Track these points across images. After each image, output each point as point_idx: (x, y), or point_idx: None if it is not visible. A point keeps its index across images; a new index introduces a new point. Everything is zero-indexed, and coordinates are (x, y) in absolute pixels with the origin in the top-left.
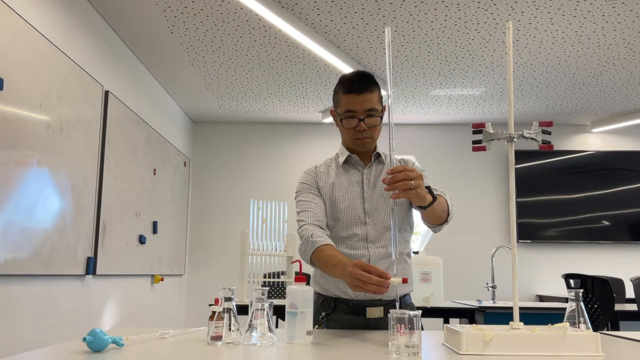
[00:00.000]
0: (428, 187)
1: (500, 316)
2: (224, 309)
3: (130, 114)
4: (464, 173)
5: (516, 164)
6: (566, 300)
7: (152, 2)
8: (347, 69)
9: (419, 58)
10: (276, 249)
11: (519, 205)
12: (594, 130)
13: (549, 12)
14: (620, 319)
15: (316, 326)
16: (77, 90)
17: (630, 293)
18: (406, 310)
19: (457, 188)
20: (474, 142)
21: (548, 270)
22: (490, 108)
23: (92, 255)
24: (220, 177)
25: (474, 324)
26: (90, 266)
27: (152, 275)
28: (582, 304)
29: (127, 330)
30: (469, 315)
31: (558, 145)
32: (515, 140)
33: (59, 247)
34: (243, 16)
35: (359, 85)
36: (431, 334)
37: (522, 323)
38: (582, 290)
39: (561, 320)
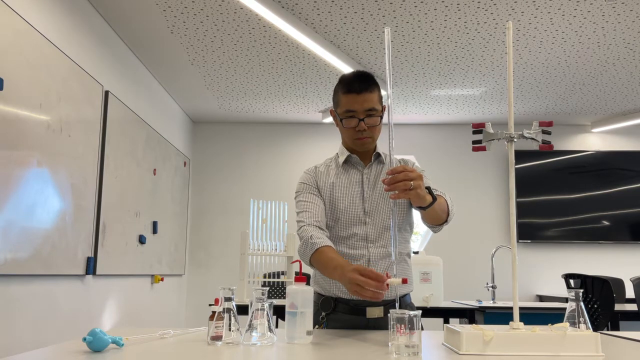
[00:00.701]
0: (428, 188)
1: (500, 316)
2: (224, 309)
3: (130, 114)
4: (464, 173)
5: (516, 164)
6: (566, 300)
7: (152, 2)
8: (347, 69)
9: (419, 58)
10: (276, 249)
11: (519, 205)
12: (594, 130)
13: (549, 12)
14: (620, 319)
15: (316, 326)
16: (77, 90)
17: (630, 293)
18: (406, 310)
19: (457, 188)
20: (474, 142)
21: (548, 270)
22: (490, 108)
23: (92, 255)
24: (220, 177)
25: (474, 324)
26: (90, 266)
27: (152, 275)
28: (582, 304)
29: (127, 330)
30: (469, 315)
31: (558, 145)
32: (515, 140)
33: (59, 247)
34: (243, 16)
35: (359, 85)
36: (431, 334)
37: (522, 323)
38: (582, 290)
39: (561, 320)
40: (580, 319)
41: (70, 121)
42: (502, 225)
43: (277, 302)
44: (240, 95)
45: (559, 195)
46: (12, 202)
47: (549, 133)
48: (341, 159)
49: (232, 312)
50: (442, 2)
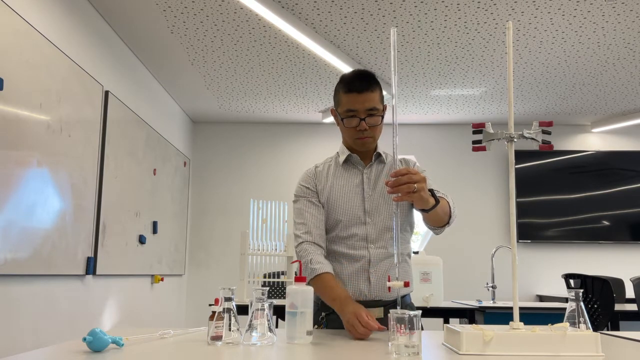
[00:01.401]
0: (431, 190)
1: (500, 316)
2: (224, 309)
3: (130, 114)
4: (464, 173)
5: (516, 164)
6: (566, 300)
7: (152, 2)
8: (347, 69)
9: (419, 58)
10: (276, 249)
11: (519, 205)
12: (594, 130)
13: (549, 12)
14: (620, 319)
15: (316, 326)
16: (77, 90)
17: (630, 293)
18: (406, 310)
19: (457, 188)
20: (474, 142)
21: (548, 270)
22: (490, 108)
23: (92, 255)
24: (220, 177)
25: (474, 324)
26: (90, 266)
27: (152, 275)
28: (582, 304)
29: (127, 330)
30: (469, 315)
31: (558, 145)
32: (515, 140)
33: (59, 247)
34: (243, 16)
35: (360, 84)
36: (431, 334)
37: (522, 323)
38: (582, 290)
39: (561, 320)
40: (580, 319)
41: (70, 121)
42: (502, 225)
43: (277, 302)
44: (240, 95)
45: (559, 195)
46: (12, 202)
47: (549, 133)
48: (341, 159)
49: (232, 312)
50: (442, 2)
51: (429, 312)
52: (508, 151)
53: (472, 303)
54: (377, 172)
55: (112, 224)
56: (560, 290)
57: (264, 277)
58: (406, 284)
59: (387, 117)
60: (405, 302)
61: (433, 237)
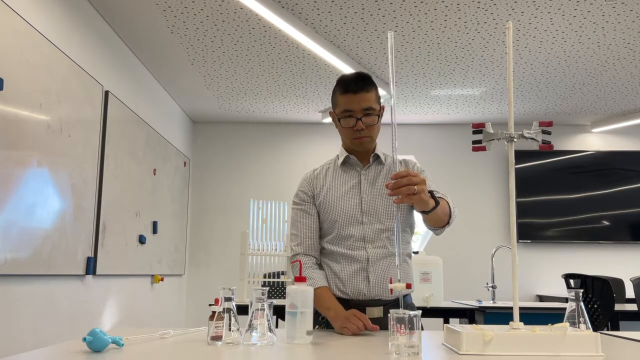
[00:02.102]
0: (430, 191)
1: (500, 316)
2: (224, 309)
3: (130, 114)
4: (464, 173)
5: (516, 164)
6: (566, 300)
7: (152, 2)
8: (347, 69)
9: (419, 58)
10: (276, 249)
11: (519, 205)
12: (594, 130)
13: (549, 12)
14: (620, 319)
15: (316, 326)
16: (77, 90)
17: (630, 293)
18: (406, 310)
19: (457, 188)
20: (474, 142)
21: (548, 270)
22: (490, 108)
23: (92, 255)
24: (220, 177)
25: (474, 324)
26: (90, 266)
27: (152, 275)
28: (582, 304)
29: (127, 330)
30: (469, 315)
31: (558, 145)
32: (515, 140)
33: (59, 247)
34: (243, 16)
35: (355, 85)
36: (431, 334)
37: (522, 323)
38: (582, 290)
39: (561, 320)
40: (580, 319)
41: (70, 121)
42: (502, 225)
43: (277, 302)
44: (240, 95)
45: (559, 195)
46: (12, 202)
47: (549, 133)
48: (340, 160)
49: (232, 312)
50: (442, 2)
51: (429, 312)
52: (508, 151)
53: (472, 303)
54: (376, 173)
55: (112, 224)
56: (560, 290)
57: (264, 277)
58: (408, 286)
59: (387, 118)
60: (405, 302)
61: (433, 237)
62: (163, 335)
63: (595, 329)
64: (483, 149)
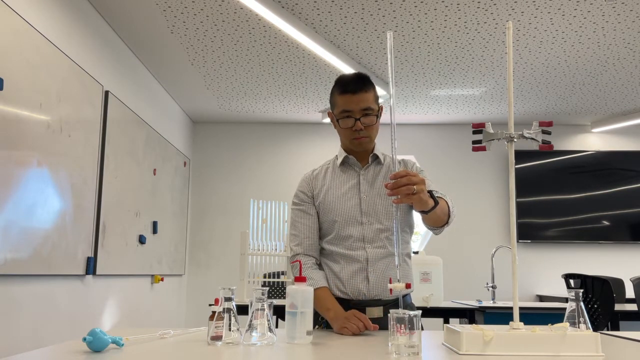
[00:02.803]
0: (430, 191)
1: (500, 316)
2: (224, 309)
3: (130, 114)
4: (463, 173)
5: (516, 164)
6: (566, 300)
7: (152, 2)
8: (347, 69)
9: (419, 58)
10: (276, 249)
11: (519, 205)
12: (594, 130)
13: (549, 12)
14: (620, 319)
15: (316, 326)
16: (77, 90)
17: (630, 293)
18: (406, 310)
19: (457, 188)
20: (474, 142)
21: (548, 270)
22: (490, 108)
23: (92, 255)
24: (220, 177)
25: (474, 324)
26: (90, 266)
27: (152, 275)
28: (582, 304)
29: (127, 330)
30: (469, 315)
31: (558, 145)
32: (515, 140)
33: (59, 247)
34: (243, 16)
35: (354, 85)
36: (431, 334)
37: (522, 323)
38: (582, 290)
39: (561, 320)
40: (580, 319)
41: (70, 121)
42: (502, 225)
43: (277, 302)
44: (240, 95)
45: (559, 195)
46: (12, 202)
47: (549, 133)
48: (339, 161)
49: (232, 312)
50: (442, 2)
51: (429, 312)
52: (508, 151)
53: (472, 303)
54: (375, 174)
55: (112, 224)
56: (560, 290)
57: (264, 277)
58: (407, 286)
59: (386, 119)
60: (405, 302)
61: (433, 237)
62: (163, 335)
63: (595, 329)
64: (483, 149)
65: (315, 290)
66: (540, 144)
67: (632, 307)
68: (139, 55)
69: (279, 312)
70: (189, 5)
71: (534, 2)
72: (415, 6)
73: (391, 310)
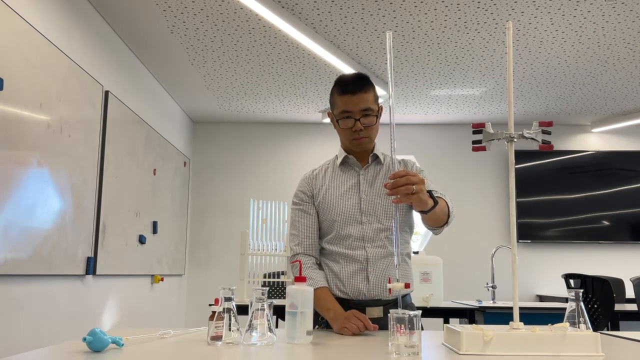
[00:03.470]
0: (429, 191)
1: (500, 316)
2: (224, 309)
3: (130, 114)
4: (464, 173)
5: (516, 164)
6: (566, 300)
7: (152, 2)
8: (347, 69)
9: (419, 58)
10: (276, 249)
11: (519, 205)
12: (594, 130)
13: (549, 12)
14: (620, 319)
15: (316, 326)
16: (77, 90)
17: (630, 293)
18: (406, 310)
19: (457, 188)
20: (474, 142)
21: (548, 270)
22: (490, 108)
23: (92, 255)
24: (221, 177)
25: (474, 324)
26: (90, 266)
27: (152, 275)
28: (582, 304)
29: (127, 330)
30: (469, 315)
31: (558, 145)
32: (515, 140)
33: (59, 247)
34: (243, 16)
35: (353, 85)
36: (431, 334)
37: (522, 323)
38: (582, 290)
39: (561, 320)
40: (580, 319)
41: (70, 121)
42: (502, 225)
43: (277, 302)
44: (240, 95)
45: (559, 195)
46: (12, 202)
47: (549, 133)
48: (339, 160)
49: (232, 312)
50: (442, 2)
51: (429, 312)
52: (508, 151)
53: (472, 303)
54: (374, 173)
55: (112, 224)
56: (560, 290)
57: (264, 277)
58: (407, 286)
59: (386, 119)
60: (405, 302)
61: (433, 237)
62: (163, 335)
63: (595, 329)
64: (483, 149)
65: (315, 290)
66: (540, 144)
67: (632, 307)
68: (139, 55)
69: (279, 312)
70: (189, 5)
71: (534, 2)
72: (415, 6)
73: (391, 310)
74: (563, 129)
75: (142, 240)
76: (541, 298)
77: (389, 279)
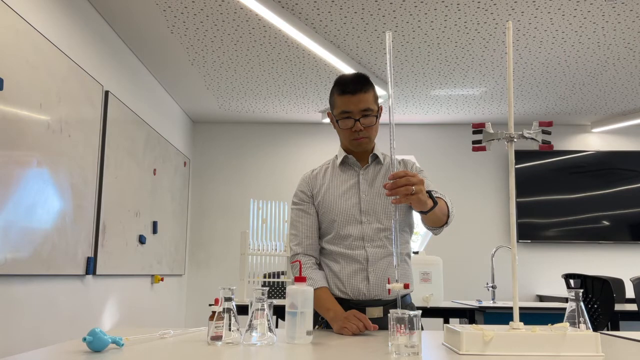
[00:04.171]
0: (429, 192)
1: (500, 316)
2: (224, 309)
3: (130, 114)
4: (463, 173)
5: (516, 164)
6: (566, 300)
7: (152, 2)
8: (347, 69)
9: (419, 58)
10: (276, 249)
11: (519, 205)
12: (594, 130)
13: (549, 12)
14: (620, 319)
15: (316, 326)
16: (77, 90)
17: (630, 293)
18: (406, 310)
19: (457, 188)
20: (474, 142)
21: (548, 270)
22: (490, 108)
23: (92, 255)
24: (221, 177)
25: (474, 324)
26: (90, 266)
27: (152, 275)
28: (582, 304)
29: (127, 330)
30: (469, 315)
31: (558, 145)
32: (515, 140)
33: (59, 247)
34: (243, 16)
35: (353, 86)
36: (431, 334)
37: (522, 323)
38: (582, 290)
39: (561, 320)
40: (580, 319)
41: (70, 121)
42: (502, 225)
43: (277, 302)
44: (240, 95)
45: (559, 195)
46: (12, 202)
47: (549, 133)
48: (338, 160)
49: (232, 312)
50: (442, 2)
51: (429, 312)
52: (508, 151)
53: (472, 303)
54: (374, 173)
55: (112, 224)
56: (560, 290)
57: (264, 277)
58: (406, 286)
59: (385, 119)
60: (405, 302)
61: (433, 237)
62: (163, 335)
63: (595, 329)
64: (483, 149)
65: (315, 290)
66: (540, 144)
67: (632, 307)
68: (139, 55)
69: (279, 312)
70: (189, 5)
71: (534, 2)
72: (415, 6)
73: (391, 310)
74: (563, 129)
75: (142, 240)
76: (541, 298)
77: (388, 279)
